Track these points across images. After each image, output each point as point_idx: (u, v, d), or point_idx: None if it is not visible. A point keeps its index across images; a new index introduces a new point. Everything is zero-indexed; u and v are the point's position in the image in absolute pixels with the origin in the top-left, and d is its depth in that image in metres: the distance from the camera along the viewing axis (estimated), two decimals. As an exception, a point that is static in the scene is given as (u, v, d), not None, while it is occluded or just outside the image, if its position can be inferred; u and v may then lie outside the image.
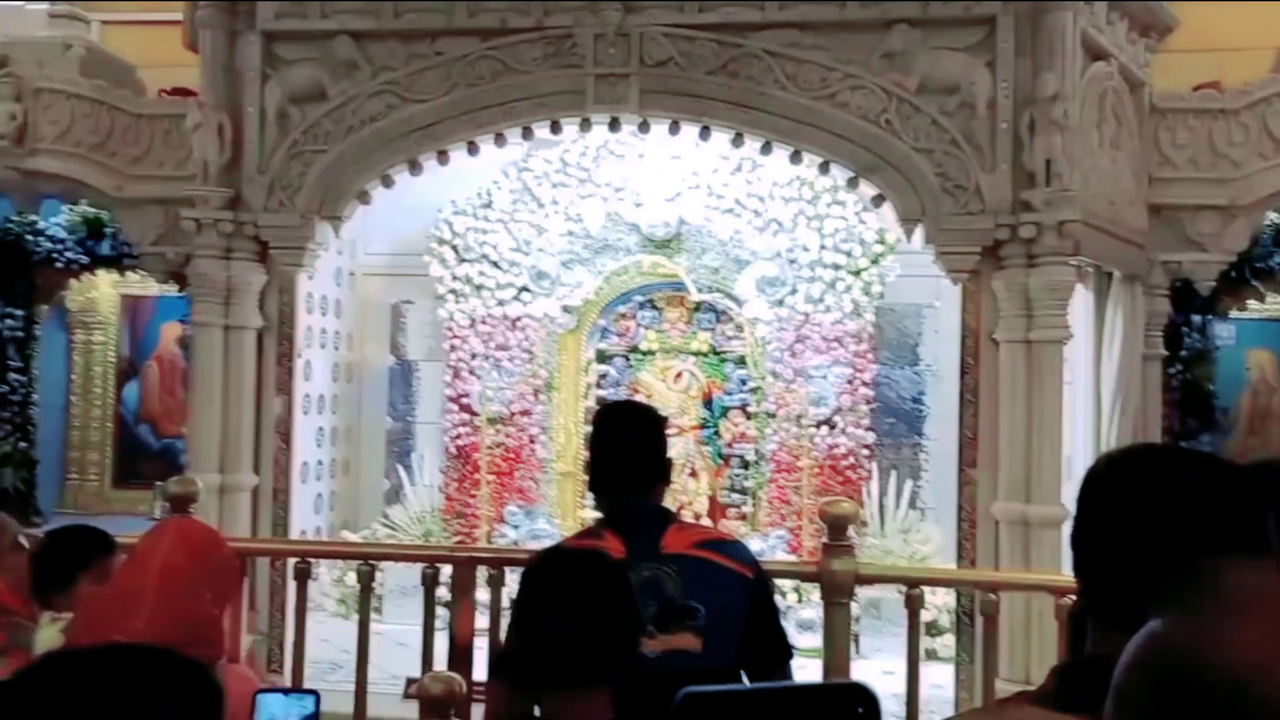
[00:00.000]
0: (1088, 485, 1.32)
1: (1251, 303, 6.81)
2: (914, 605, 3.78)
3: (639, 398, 6.65)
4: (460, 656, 3.53)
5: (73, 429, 7.91)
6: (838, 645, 3.75)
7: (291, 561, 4.22)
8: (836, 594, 3.76)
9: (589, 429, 2.61)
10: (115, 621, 2.09)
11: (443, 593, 4.01)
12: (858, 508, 4.16)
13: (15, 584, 2.97)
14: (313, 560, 4.23)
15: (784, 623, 2.73)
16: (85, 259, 7.37)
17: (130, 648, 1.24)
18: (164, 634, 1.92)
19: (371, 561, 4.20)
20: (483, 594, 4.02)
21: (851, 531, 3.87)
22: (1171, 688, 0.82)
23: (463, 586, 3.69)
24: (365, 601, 4.04)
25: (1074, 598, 2.21)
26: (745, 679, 2.38)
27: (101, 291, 7.92)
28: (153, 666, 1.18)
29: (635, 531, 2.43)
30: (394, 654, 4.77)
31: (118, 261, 7.28)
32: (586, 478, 2.55)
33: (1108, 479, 1.32)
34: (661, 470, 2.50)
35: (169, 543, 2.28)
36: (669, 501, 2.75)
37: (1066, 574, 5.04)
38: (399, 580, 5.78)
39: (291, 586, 4.29)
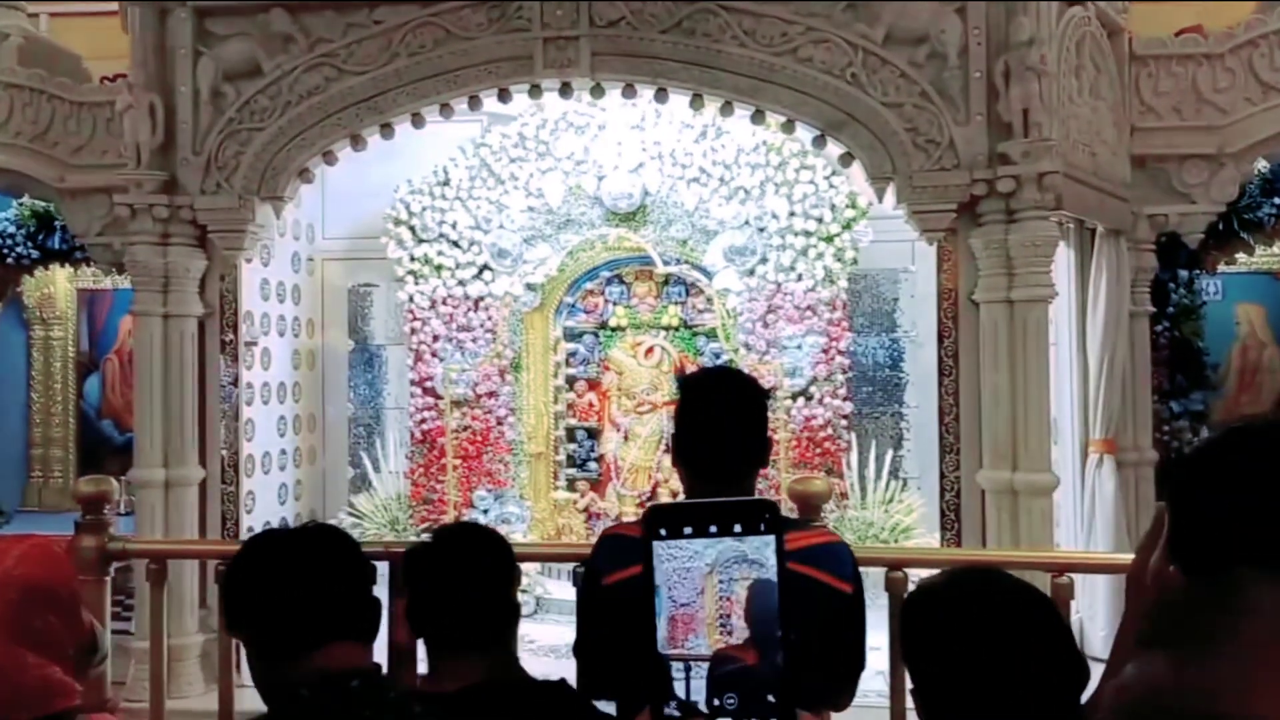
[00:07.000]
0: (906, 614, 1.55)
1: (1240, 256, 6.58)
2: (895, 589, 3.36)
3: (609, 375, 6.43)
4: (402, 660, 2.96)
5: (34, 426, 7.72)
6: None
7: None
8: (805, 575, 3.52)
9: (679, 400, 2.27)
10: None
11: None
12: (829, 485, 3.93)
13: None
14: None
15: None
16: (36, 253, 7.12)
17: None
18: None
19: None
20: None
21: (832, 507, 3.61)
22: None
23: (400, 583, 3.30)
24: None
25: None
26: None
27: (58, 286, 7.70)
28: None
29: None
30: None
31: (69, 255, 7.05)
32: (673, 453, 2.28)
33: (923, 615, 1.52)
34: (761, 456, 2.23)
35: None
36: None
37: (1059, 549, 4.82)
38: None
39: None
